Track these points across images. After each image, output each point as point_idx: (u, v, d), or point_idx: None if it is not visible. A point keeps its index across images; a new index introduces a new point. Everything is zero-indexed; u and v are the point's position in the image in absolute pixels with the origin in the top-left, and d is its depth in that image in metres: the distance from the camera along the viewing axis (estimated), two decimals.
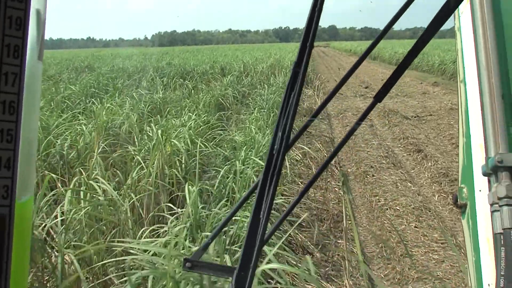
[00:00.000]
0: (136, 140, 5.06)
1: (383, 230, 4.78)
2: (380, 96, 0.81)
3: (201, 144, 4.46)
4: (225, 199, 3.46)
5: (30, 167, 0.55)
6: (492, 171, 0.84)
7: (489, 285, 0.87)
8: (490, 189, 0.85)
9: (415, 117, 10.67)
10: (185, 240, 2.63)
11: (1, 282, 0.43)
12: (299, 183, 5.64)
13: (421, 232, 4.61)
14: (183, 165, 4.03)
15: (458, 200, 1.02)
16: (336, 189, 5.96)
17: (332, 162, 6.87)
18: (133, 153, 4.29)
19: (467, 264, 0.98)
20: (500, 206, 0.80)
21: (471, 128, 1.00)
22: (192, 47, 75.21)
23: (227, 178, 3.89)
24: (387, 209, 5.26)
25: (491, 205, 0.83)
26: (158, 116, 6.05)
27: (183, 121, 5.41)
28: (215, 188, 3.68)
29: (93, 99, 7.67)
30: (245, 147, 4.60)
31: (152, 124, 5.05)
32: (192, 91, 10.01)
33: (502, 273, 0.75)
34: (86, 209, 2.91)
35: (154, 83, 10.58)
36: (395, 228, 4.75)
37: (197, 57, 27.45)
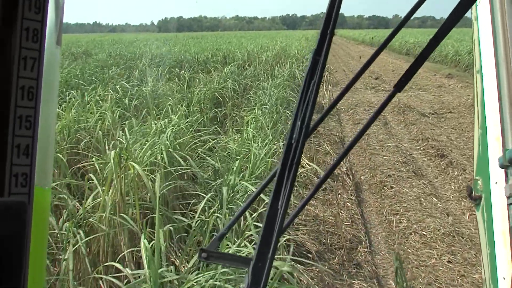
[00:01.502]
0: (107, 148, 4.07)
1: (408, 263, 3.88)
2: (400, 85, 0.82)
3: (180, 160, 3.53)
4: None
5: (48, 155, 0.55)
6: (510, 163, 0.81)
7: (504, 278, 0.84)
8: (507, 181, 0.83)
9: (433, 114, 9.71)
10: None
11: (20, 270, 0.41)
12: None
13: (457, 270, 3.70)
14: (154, 190, 3.05)
15: (473, 192, 0.96)
16: (349, 204, 5.06)
17: (343, 169, 5.97)
18: (97, 168, 3.34)
19: (481, 257, 0.94)
20: None
21: (487, 119, 0.96)
22: (198, 34, 74.08)
23: (210, 210, 2.96)
24: (410, 234, 4.35)
25: (508, 197, 0.81)
26: (133, 119, 5.05)
27: (163, 125, 4.39)
28: (194, 224, 2.75)
29: (73, 91, 6.73)
30: (238, 161, 3.65)
31: (126, 129, 4.10)
32: (188, 82, 9.04)
33: None
34: None
35: (146, 73, 9.60)
36: (423, 263, 3.85)
37: (201, 44, 26.39)
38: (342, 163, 6.10)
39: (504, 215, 0.87)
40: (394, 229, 4.49)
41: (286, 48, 20.08)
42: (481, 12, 1.06)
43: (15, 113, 0.42)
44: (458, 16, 0.79)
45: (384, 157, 6.71)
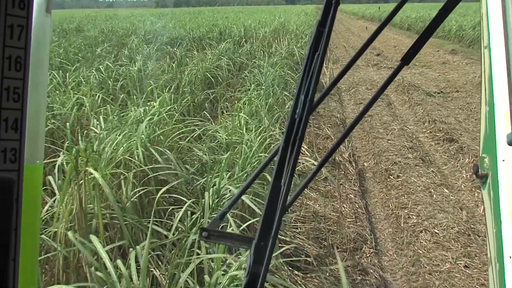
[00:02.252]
0: (80, 141, 3.53)
1: (419, 267, 3.46)
2: (408, 58, 0.81)
3: (158, 157, 3.05)
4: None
5: (39, 129, 0.52)
6: None
7: (510, 257, 0.84)
8: None
9: (439, 93, 9.20)
10: None
11: (11, 248, 0.39)
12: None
13: (476, 277, 3.28)
14: (128, 195, 2.57)
15: (479, 170, 0.93)
16: (352, 195, 4.62)
17: (346, 156, 5.51)
18: (62, 164, 2.84)
19: (487, 235, 0.92)
20: None
21: (495, 96, 0.94)
22: (195, 9, 72.85)
23: (192, 217, 2.50)
24: (421, 232, 3.92)
25: None
26: (108, 106, 4.51)
27: (143, 113, 3.86)
28: (171, 237, 2.28)
29: (54, 72, 6.20)
30: (225, 160, 3.16)
31: (101, 118, 3.60)
32: (180, 60, 8.50)
33: None
34: None
35: (134, 51, 9.03)
36: (436, 267, 3.43)
37: (197, 20, 25.67)
38: (344, 149, 5.66)
39: (511, 193, 0.86)
40: (402, 225, 4.06)
41: (285, 24, 19.42)
42: None
43: (2, 84, 0.38)
44: None
45: (389, 141, 6.25)
